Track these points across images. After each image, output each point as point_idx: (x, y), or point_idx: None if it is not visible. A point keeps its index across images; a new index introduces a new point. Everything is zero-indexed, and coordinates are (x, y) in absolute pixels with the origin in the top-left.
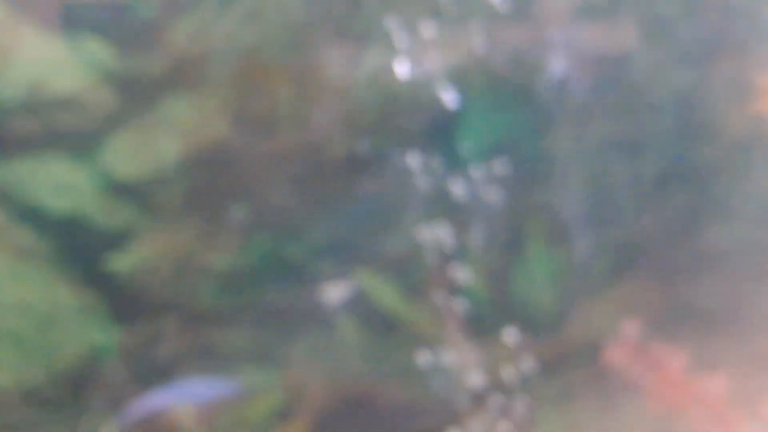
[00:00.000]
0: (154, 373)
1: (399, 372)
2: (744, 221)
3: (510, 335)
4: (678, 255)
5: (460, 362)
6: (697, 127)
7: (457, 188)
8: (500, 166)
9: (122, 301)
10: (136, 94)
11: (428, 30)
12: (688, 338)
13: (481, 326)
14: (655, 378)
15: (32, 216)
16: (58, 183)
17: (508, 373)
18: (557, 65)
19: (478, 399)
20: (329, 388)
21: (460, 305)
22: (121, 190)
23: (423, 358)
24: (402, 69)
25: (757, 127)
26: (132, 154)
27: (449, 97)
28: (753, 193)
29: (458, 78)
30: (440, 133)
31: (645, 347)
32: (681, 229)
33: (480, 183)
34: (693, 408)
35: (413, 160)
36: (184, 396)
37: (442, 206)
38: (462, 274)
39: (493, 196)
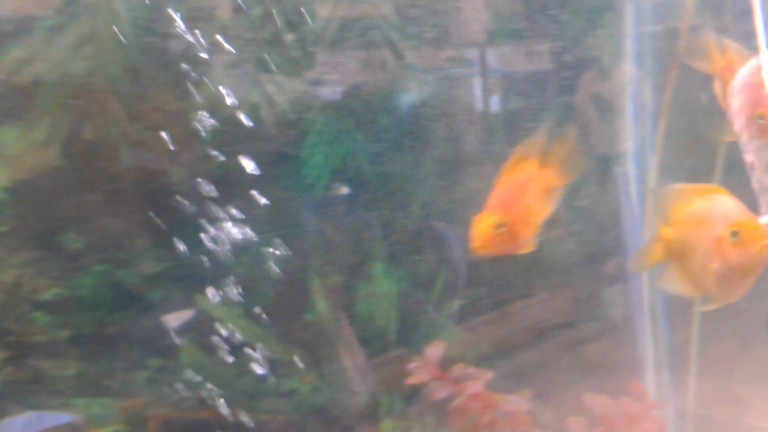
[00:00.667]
0: None
1: (246, 395)
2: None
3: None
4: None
5: (308, 383)
6: None
7: (303, 211)
8: (343, 189)
9: None
10: None
11: (271, 57)
12: (523, 350)
13: (327, 345)
14: (457, 398)
15: None
16: None
17: (347, 392)
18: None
19: (326, 419)
20: (172, 414)
21: (307, 326)
22: None
23: (270, 379)
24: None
25: None
26: None
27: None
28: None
29: (302, 105)
30: (285, 158)
31: (447, 369)
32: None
33: (324, 206)
34: (498, 427)
35: (257, 184)
36: (16, 430)
37: (287, 229)
38: (307, 294)
39: (337, 218)
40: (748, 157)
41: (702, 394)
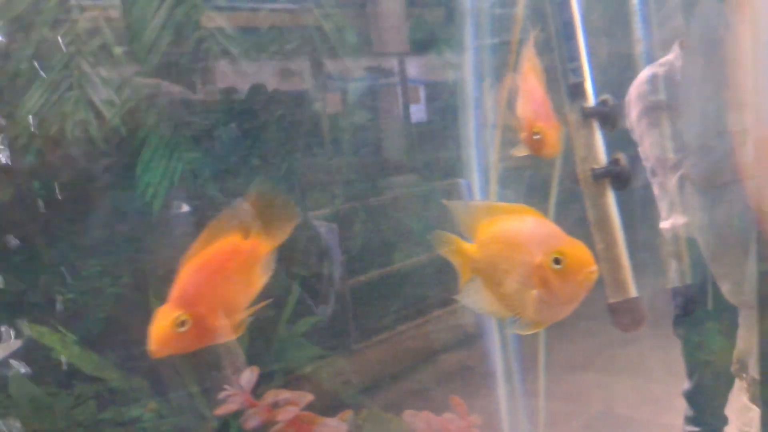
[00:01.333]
0: None
1: (81, 425)
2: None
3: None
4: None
5: (151, 410)
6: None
7: (139, 230)
8: (183, 207)
9: None
10: None
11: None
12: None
13: (171, 370)
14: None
15: None
16: None
17: (195, 417)
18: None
19: None
20: None
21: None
22: None
23: (109, 408)
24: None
25: None
26: None
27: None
28: None
29: (136, 117)
30: (120, 173)
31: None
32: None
33: (161, 224)
34: None
35: (88, 203)
36: None
37: (123, 248)
38: (147, 318)
39: (178, 237)
40: (648, 164)
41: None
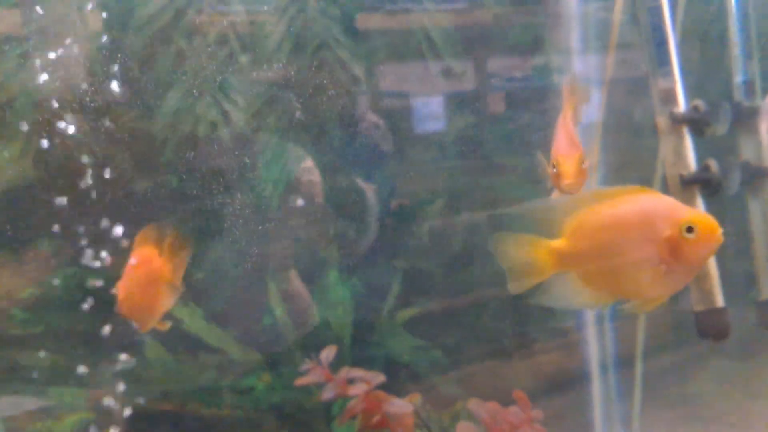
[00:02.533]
0: None
1: (204, 391)
2: None
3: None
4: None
5: (265, 381)
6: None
7: (261, 220)
8: (296, 200)
9: None
10: None
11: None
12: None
13: (284, 348)
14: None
15: None
16: None
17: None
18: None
19: (282, 416)
20: (136, 406)
21: (264, 330)
22: None
23: (229, 377)
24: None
25: None
26: None
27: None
28: None
29: (259, 119)
30: (241, 168)
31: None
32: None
33: (281, 216)
34: (386, 427)
35: (218, 196)
36: None
37: (245, 236)
38: (265, 298)
39: (294, 227)
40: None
41: None
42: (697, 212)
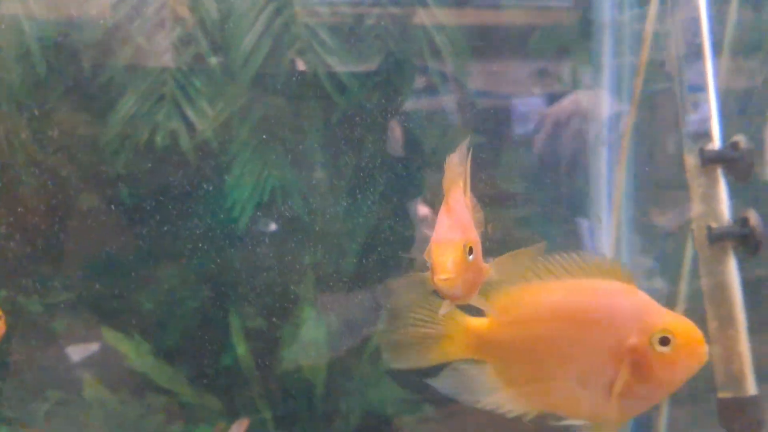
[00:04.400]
0: None
1: None
2: None
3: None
4: None
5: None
6: None
7: (224, 246)
8: (267, 224)
9: None
10: None
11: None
12: None
13: (246, 391)
14: None
15: None
16: None
17: None
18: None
19: None
20: None
21: (224, 370)
22: None
23: (177, 424)
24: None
25: None
26: None
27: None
28: None
29: (226, 133)
30: (207, 187)
31: None
32: None
33: (248, 240)
34: None
35: (175, 215)
36: None
37: (204, 263)
38: (226, 336)
39: (262, 256)
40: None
41: None
42: (679, 319)
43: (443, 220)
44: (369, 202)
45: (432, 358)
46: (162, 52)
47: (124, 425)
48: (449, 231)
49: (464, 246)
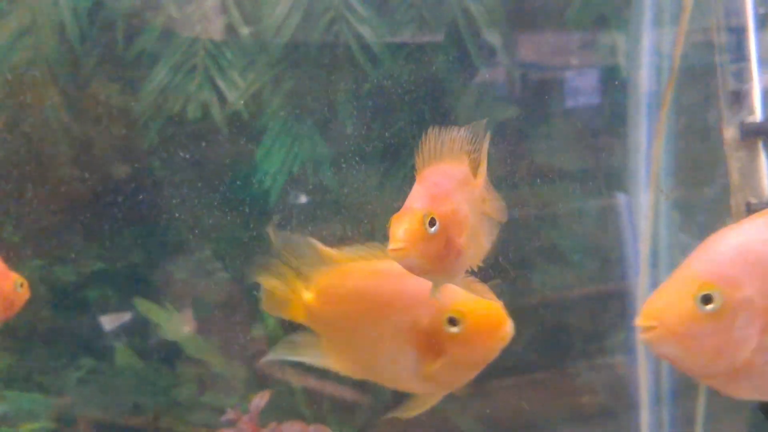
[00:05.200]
0: None
1: (179, 406)
2: None
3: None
4: None
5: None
6: None
7: (255, 216)
8: (297, 196)
9: None
10: None
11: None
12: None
13: (275, 363)
14: None
15: None
16: None
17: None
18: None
19: None
20: (103, 418)
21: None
22: None
23: (207, 393)
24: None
25: None
26: None
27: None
28: None
29: (258, 105)
30: (238, 159)
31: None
32: None
33: (278, 212)
34: None
35: (205, 187)
36: None
37: (236, 234)
38: (256, 308)
39: (291, 226)
40: None
41: None
42: (474, 301)
43: (414, 190)
44: (400, 175)
45: (282, 313)
46: (194, 22)
47: (155, 394)
48: (413, 200)
49: (424, 216)
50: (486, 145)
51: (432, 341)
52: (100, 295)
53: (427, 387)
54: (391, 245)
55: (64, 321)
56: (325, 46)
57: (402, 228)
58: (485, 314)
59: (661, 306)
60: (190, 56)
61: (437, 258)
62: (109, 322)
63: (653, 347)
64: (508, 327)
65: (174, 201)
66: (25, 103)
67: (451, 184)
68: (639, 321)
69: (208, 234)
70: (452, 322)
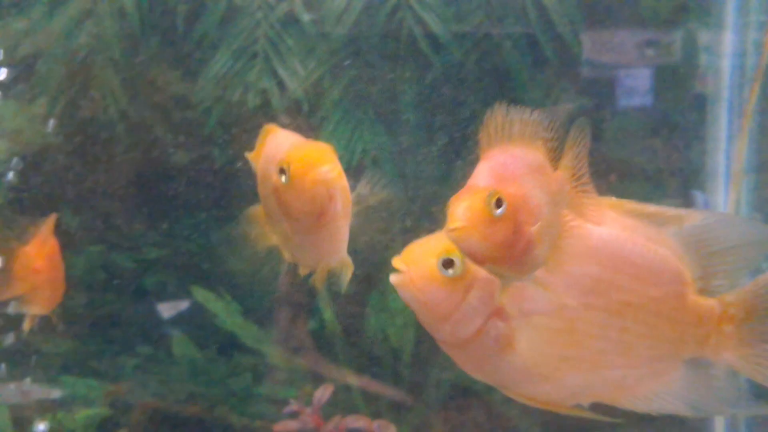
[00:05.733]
0: None
1: (235, 396)
2: None
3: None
4: None
5: (306, 393)
6: None
7: None
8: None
9: None
10: None
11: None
12: None
13: (332, 356)
14: None
15: None
16: None
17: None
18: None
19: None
20: (157, 405)
21: (308, 333)
22: None
23: (263, 384)
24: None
25: None
26: None
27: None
28: None
29: (319, 93)
30: None
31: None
32: None
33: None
34: None
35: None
36: (3, 396)
37: None
38: (313, 300)
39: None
40: None
41: None
42: (301, 148)
43: (478, 168)
44: (465, 166)
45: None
46: (254, 8)
47: (210, 383)
48: (477, 178)
49: (489, 195)
50: (578, 136)
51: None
52: (158, 283)
53: (284, 242)
54: (450, 224)
55: (121, 308)
56: (388, 33)
57: (463, 206)
58: (302, 161)
59: (411, 257)
60: (250, 43)
61: (503, 245)
62: (166, 309)
63: (398, 291)
64: (326, 167)
65: (233, 189)
66: (85, 89)
67: (521, 168)
68: (394, 261)
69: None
70: (282, 171)
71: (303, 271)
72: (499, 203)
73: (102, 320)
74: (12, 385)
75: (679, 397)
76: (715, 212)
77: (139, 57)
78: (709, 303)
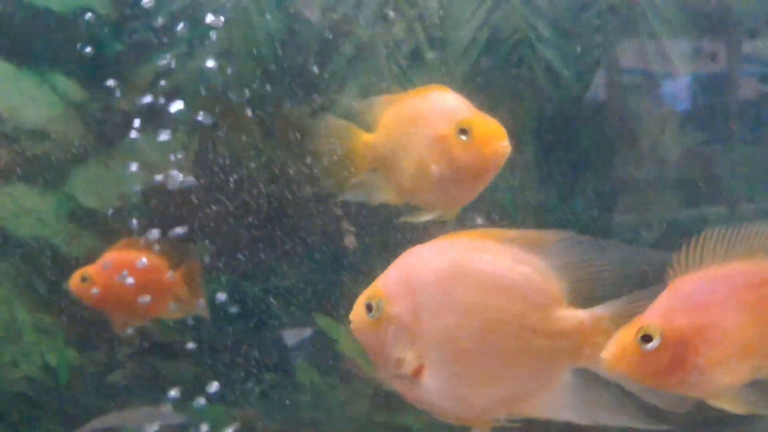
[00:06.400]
0: (106, 397)
1: (357, 423)
2: None
3: None
4: None
5: (424, 422)
6: None
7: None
8: (473, 218)
9: (79, 326)
10: (102, 128)
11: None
12: None
13: None
14: None
15: None
16: (22, 208)
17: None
18: None
19: None
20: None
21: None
22: (83, 217)
23: (382, 411)
24: None
25: None
26: (95, 183)
27: None
28: None
29: None
30: None
31: None
32: None
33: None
34: None
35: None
36: (135, 421)
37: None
38: None
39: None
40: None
41: None
42: (483, 116)
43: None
44: (581, 196)
45: (351, 173)
46: (381, 46)
47: (331, 409)
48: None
49: (639, 329)
50: None
51: (444, 149)
52: (282, 311)
53: (435, 196)
54: (603, 352)
55: (248, 335)
56: (509, 68)
57: (616, 337)
58: (489, 127)
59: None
60: (377, 80)
61: (657, 375)
62: (290, 337)
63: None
64: (506, 141)
65: (352, 221)
66: (220, 124)
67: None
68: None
69: (385, 252)
70: (463, 131)
71: (418, 219)
72: (647, 339)
73: (230, 348)
74: (143, 411)
75: (572, 406)
76: (579, 235)
77: (273, 93)
78: (579, 315)
